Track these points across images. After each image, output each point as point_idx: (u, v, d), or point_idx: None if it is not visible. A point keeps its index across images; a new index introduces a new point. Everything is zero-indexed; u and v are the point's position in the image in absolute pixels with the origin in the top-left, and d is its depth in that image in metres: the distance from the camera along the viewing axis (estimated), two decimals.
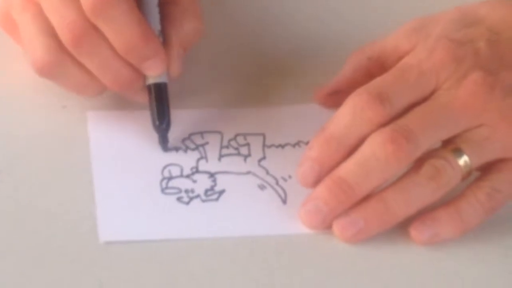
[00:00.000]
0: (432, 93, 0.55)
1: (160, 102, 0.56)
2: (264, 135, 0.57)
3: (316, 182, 0.53)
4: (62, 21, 0.57)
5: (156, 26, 0.59)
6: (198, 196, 0.52)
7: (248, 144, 0.56)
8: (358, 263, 0.52)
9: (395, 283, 0.53)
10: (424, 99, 0.54)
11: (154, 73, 0.57)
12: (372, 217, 0.53)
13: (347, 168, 0.53)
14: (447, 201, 0.54)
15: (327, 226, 0.52)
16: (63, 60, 0.57)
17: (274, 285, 0.52)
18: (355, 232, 0.53)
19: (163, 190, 0.52)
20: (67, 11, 0.57)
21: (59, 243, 0.54)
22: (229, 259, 0.53)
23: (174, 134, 0.57)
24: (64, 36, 0.56)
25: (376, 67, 0.59)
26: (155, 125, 0.56)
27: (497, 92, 0.55)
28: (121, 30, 0.56)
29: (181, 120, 0.58)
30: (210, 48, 0.69)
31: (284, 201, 0.52)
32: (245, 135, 0.57)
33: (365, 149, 0.53)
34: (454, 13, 0.59)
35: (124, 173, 0.55)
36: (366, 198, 0.54)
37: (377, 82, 0.55)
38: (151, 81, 0.55)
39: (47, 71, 0.58)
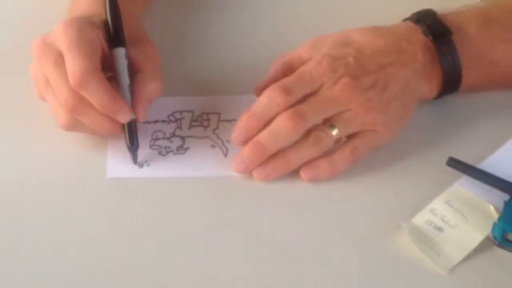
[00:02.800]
0: (319, 89, 0.70)
1: (130, 133, 0.70)
2: (219, 114, 0.74)
3: (244, 142, 0.69)
4: (61, 97, 0.70)
5: (125, 88, 0.71)
6: (172, 151, 0.70)
7: (208, 119, 0.74)
8: (265, 194, 0.69)
9: (290, 205, 0.69)
10: (313, 93, 0.69)
11: (123, 121, 0.70)
12: (278, 166, 0.69)
13: (263, 135, 0.69)
14: (324, 155, 0.70)
15: (249, 172, 0.69)
16: (74, 122, 0.70)
17: (217, 203, 0.68)
18: (266, 175, 0.69)
19: (150, 147, 0.71)
20: (62, 90, 0.69)
21: (78, 179, 0.71)
22: (190, 190, 0.69)
23: (162, 112, 0.74)
24: (65, 108, 0.69)
25: (288, 69, 0.73)
26: (128, 146, 0.70)
27: (358, 90, 0.70)
28: (96, 97, 0.68)
29: (168, 102, 0.75)
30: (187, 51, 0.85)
31: (226, 155, 0.70)
32: (207, 113, 0.74)
33: (275, 123, 0.68)
34: (337, 36, 0.74)
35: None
36: (275, 154, 0.69)
37: (285, 81, 0.70)
38: (124, 122, 0.70)
39: (67, 129, 0.71)
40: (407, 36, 0.76)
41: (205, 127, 0.74)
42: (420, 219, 0.67)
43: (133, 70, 0.73)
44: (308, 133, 0.69)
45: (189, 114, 0.75)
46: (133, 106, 0.71)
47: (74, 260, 0.66)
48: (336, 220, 0.68)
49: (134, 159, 0.70)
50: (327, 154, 0.71)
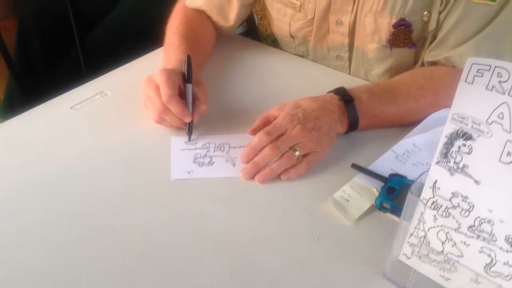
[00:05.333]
0: (285, 131, 0.96)
1: (189, 127, 1.01)
2: (229, 143, 1.05)
3: (248, 161, 0.96)
4: (155, 106, 0.99)
5: (190, 105, 1.02)
6: (205, 164, 1.00)
7: (224, 146, 1.05)
8: (259, 191, 0.94)
9: (274, 199, 0.93)
10: (282, 134, 0.96)
11: (187, 121, 1.00)
12: (268, 173, 0.95)
13: (257, 157, 0.95)
14: (292, 166, 0.95)
15: (250, 178, 0.96)
16: (160, 119, 1.01)
17: (236, 200, 0.93)
18: (263, 179, 0.95)
19: (193, 161, 1.01)
20: (157, 103, 0.99)
21: (147, 179, 0.96)
22: (217, 184, 0.96)
23: (199, 143, 1.04)
24: (157, 111, 0.99)
25: (267, 121, 1.01)
26: (187, 133, 1.00)
27: (306, 131, 0.95)
28: (175, 109, 0.98)
29: (201, 138, 1.05)
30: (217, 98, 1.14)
31: (234, 166, 1.00)
32: (223, 144, 1.05)
33: (263, 151, 0.95)
34: (292, 103, 1.00)
35: (182, 156, 1.02)
36: (266, 167, 0.95)
37: (267, 128, 0.96)
38: (187, 122, 1.00)
39: (157, 122, 1.02)
40: (329, 101, 1.02)
41: (222, 151, 1.05)
42: (337, 195, 0.93)
43: (194, 98, 1.02)
44: (282, 155, 0.97)
45: (213, 144, 1.07)
46: (192, 114, 1.01)
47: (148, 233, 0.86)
48: (295, 197, 0.93)
49: (189, 138, 1.02)
50: (293, 165, 0.97)
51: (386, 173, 0.95)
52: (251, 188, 0.97)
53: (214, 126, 1.11)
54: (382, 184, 0.93)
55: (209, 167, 1.01)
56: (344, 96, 1.02)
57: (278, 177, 0.98)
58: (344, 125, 1.03)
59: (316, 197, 0.93)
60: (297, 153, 0.97)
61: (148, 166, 1.01)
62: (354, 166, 0.98)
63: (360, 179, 0.96)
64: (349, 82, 1.19)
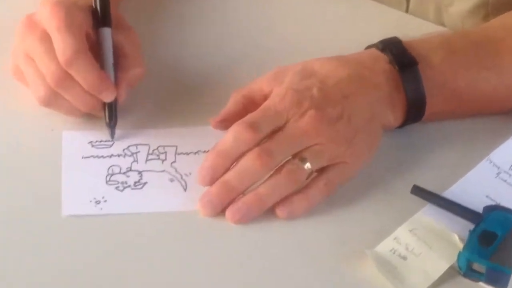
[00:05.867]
0: (285, 124, 0.69)
1: (110, 111, 0.75)
2: (176, 147, 0.74)
3: (211, 182, 0.68)
4: (47, 71, 0.73)
5: (110, 68, 0.76)
6: (129, 186, 0.70)
7: (165, 152, 0.73)
8: (240, 234, 0.67)
9: (264, 246, 0.67)
10: (280, 128, 0.69)
11: (107, 100, 0.73)
12: (251, 205, 0.68)
13: (230, 174, 0.68)
14: (298, 190, 0.68)
15: (217, 214, 0.67)
16: (53, 96, 0.74)
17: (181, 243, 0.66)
18: (240, 216, 0.67)
19: (107, 182, 0.70)
20: (49, 64, 0.73)
21: (31, 216, 0.70)
22: (151, 226, 0.68)
23: (117, 146, 0.74)
24: (50, 81, 0.73)
25: (248, 102, 0.73)
26: (107, 123, 0.74)
27: (325, 123, 0.70)
28: (84, 76, 0.72)
29: (123, 136, 0.75)
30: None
31: (185, 189, 0.69)
32: (164, 146, 0.74)
33: (243, 162, 0.68)
34: (298, 67, 0.74)
35: (83, 169, 0.72)
36: (248, 193, 0.68)
37: (250, 117, 0.69)
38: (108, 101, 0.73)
39: (45, 104, 0.75)
40: (370, 65, 0.76)
41: (162, 161, 0.74)
42: (384, 247, 0.67)
43: (116, 55, 0.77)
44: (280, 168, 0.69)
45: (145, 147, 0.75)
46: (116, 85, 0.76)
47: None
48: (302, 248, 0.68)
49: (112, 135, 0.75)
50: (301, 189, 0.70)
51: (478, 204, 0.72)
52: (221, 233, 0.70)
53: (148, 112, 0.82)
54: (471, 226, 0.70)
55: (137, 192, 0.72)
56: (399, 56, 0.77)
57: (271, 210, 0.70)
58: (398, 111, 0.77)
59: (342, 250, 0.70)
60: (307, 165, 0.70)
61: (18, 191, 0.75)
62: (417, 190, 0.73)
63: (427, 216, 0.72)
64: (407, 26, 0.95)
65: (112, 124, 0.75)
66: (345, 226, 0.70)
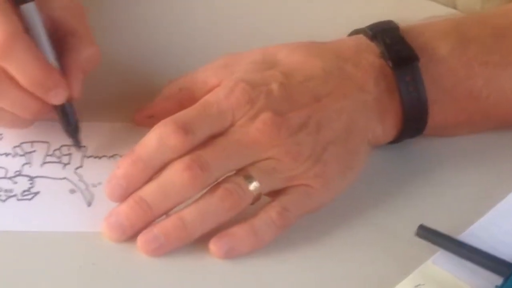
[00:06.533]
0: (229, 127, 0.60)
1: (65, 114, 0.63)
2: (86, 147, 0.63)
3: (122, 197, 0.58)
4: None
5: (50, 57, 0.64)
6: (15, 195, 0.58)
7: (70, 154, 0.62)
8: (160, 272, 0.57)
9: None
10: (221, 133, 0.59)
11: (58, 102, 0.62)
12: (172, 233, 0.58)
13: (149, 189, 0.58)
14: (243, 219, 0.58)
15: (125, 239, 0.57)
16: None
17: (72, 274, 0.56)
18: (156, 246, 0.57)
19: None
20: None
21: None
22: (38, 250, 0.57)
23: (6, 142, 0.63)
24: None
25: (186, 97, 0.64)
26: (65, 130, 0.63)
27: (283, 131, 0.60)
28: (24, 68, 0.61)
29: (12, 130, 0.64)
30: None
31: (89, 204, 0.58)
32: (69, 146, 0.63)
33: (166, 174, 0.58)
34: (257, 54, 0.65)
35: None
36: (168, 215, 0.58)
37: (182, 114, 0.59)
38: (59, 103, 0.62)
39: None
40: (354, 57, 0.66)
41: (64, 165, 0.63)
42: None
43: (60, 35, 0.65)
44: (214, 187, 0.59)
45: (43, 146, 0.64)
46: (66, 77, 0.64)
47: None
48: None
49: (76, 143, 0.64)
50: (245, 218, 0.59)
51: (507, 251, 0.62)
52: (138, 266, 0.58)
53: None
54: (499, 280, 0.60)
55: (24, 204, 0.61)
56: (394, 47, 0.67)
57: (204, 243, 0.59)
58: (389, 121, 0.67)
59: None
60: (254, 185, 0.59)
61: None
62: (424, 232, 0.62)
63: (438, 266, 0.62)
64: (408, 8, 0.83)
65: (72, 129, 0.64)
66: (326, 280, 0.59)
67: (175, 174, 0.57)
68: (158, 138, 0.58)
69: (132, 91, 0.71)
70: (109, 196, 0.59)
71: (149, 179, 0.58)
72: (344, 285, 0.59)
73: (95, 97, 0.70)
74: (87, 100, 0.68)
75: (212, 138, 0.59)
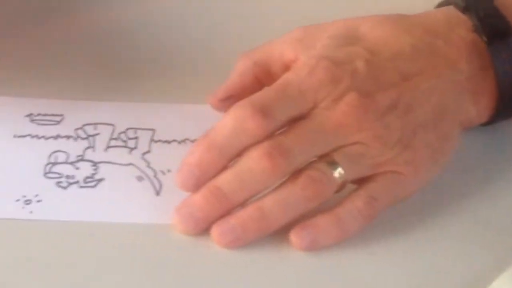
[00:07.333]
0: (311, 110, 0.57)
1: None
2: (154, 130, 0.60)
3: (195, 187, 0.56)
4: None
5: None
6: (77, 182, 0.56)
7: (137, 138, 0.60)
8: (237, 266, 0.54)
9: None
10: (303, 116, 0.57)
11: None
12: (250, 225, 0.55)
13: (224, 178, 0.56)
14: (326, 208, 0.55)
15: (199, 232, 0.55)
16: None
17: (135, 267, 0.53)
18: (233, 238, 0.55)
19: (45, 174, 0.56)
20: None
21: None
22: (103, 245, 0.54)
23: (67, 124, 0.61)
24: None
25: (262, 72, 0.61)
26: None
27: (371, 113, 0.57)
28: None
29: (76, 110, 0.61)
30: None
31: (158, 193, 0.56)
32: (135, 129, 0.60)
33: (243, 162, 0.56)
34: (338, 27, 0.62)
35: (13, 153, 0.59)
36: (245, 205, 0.55)
37: (260, 96, 0.57)
38: None
39: None
40: (445, 33, 0.62)
41: (131, 150, 0.60)
42: None
43: None
44: (296, 175, 0.56)
45: (108, 128, 0.61)
46: None
47: None
48: None
49: None
50: (329, 207, 0.56)
51: None
52: (206, 261, 0.55)
53: (118, 78, 0.67)
54: None
55: (87, 191, 0.57)
56: (489, 20, 0.62)
57: (284, 235, 0.56)
58: (483, 101, 0.63)
59: None
60: (338, 172, 0.56)
61: None
62: None
63: None
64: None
65: None
66: (411, 275, 0.55)
67: (254, 161, 0.55)
68: (234, 123, 0.55)
69: (205, 70, 0.68)
70: (180, 185, 0.56)
71: (224, 167, 0.55)
72: (436, 281, 0.56)
73: (164, 77, 0.68)
74: (156, 80, 0.67)
75: (292, 121, 0.56)
